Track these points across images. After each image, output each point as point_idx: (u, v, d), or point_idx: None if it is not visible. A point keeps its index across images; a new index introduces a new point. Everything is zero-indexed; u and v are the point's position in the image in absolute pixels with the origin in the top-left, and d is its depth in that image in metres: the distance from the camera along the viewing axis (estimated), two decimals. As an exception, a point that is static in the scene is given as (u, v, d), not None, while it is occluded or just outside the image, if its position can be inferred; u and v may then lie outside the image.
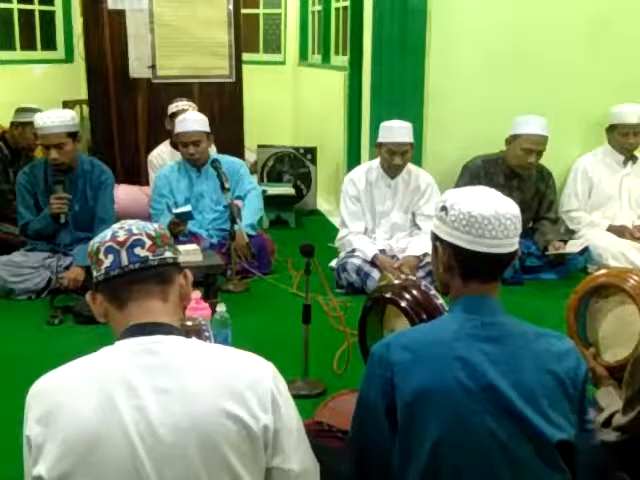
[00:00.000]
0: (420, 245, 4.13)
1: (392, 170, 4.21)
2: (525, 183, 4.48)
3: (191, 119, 4.36)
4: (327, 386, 2.88)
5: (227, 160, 4.45)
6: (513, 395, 1.50)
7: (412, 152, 4.22)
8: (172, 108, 4.87)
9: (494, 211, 1.55)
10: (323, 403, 2.60)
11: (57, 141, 3.82)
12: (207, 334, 2.20)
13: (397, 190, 4.28)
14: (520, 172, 4.43)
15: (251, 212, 4.40)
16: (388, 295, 2.35)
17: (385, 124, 4.17)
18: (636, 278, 2.21)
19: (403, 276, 2.67)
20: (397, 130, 4.11)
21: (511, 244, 1.58)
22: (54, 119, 3.83)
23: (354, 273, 4.05)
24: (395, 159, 4.13)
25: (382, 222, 4.31)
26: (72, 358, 1.40)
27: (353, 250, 4.17)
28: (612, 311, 2.28)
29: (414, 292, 2.30)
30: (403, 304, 2.27)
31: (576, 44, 4.66)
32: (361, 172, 4.32)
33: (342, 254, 4.24)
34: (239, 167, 4.54)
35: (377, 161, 4.28)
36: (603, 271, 2.40)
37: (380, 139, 4.16)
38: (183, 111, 4.75)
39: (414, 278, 2.53)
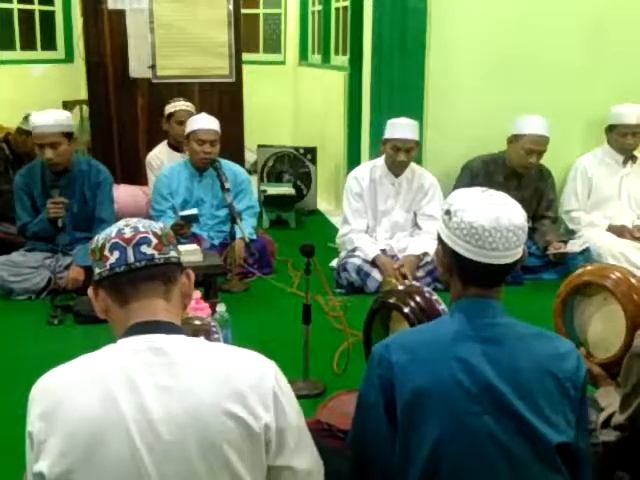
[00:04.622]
0: (420, 245, 4.13)
1: (396, 167, 4.22)
2: (524, 182, 4.48)
3: (208, 118, 4.35)
4: (327, 386, 2.88)
5: (231, 168, 4.42)
6: (512, 396, 1.50)
7: (416, 150, 4.23)
8: (169, 109, 4.84)
9: (496, 223, 1.52)
10: (323, 403, 2.60)
11: (51, 140, 3.82)
12: (217, 335, 2.20)
13: (400, 188, 4.28)
14: (520, 171, 4.43)
15: (247, 226, 4.27)
16: (392, 300, 2.40)
17: (391, 121, 4.19)
18: (617, 274, 2.21)
19: (407, 282, 2.71)
20: (402, 127, 4.13)
21: (512, 255, 1.55)
22: (49, 118, 3.84)
23: (354, 273, 4.06)
24: (399, 155, 4.14)
25: (383, 221, 4.31)
26: (72, 358, 1.40)
27: (354, 249, 4.17)
28: (596, 309, 2.27)
29: (417, 298, 2.35)
30: (406, 310, 2.31)
31: (576, 44, 4.65)
32: (365, 169, 4.33)
33: (342, 253, 4.24)
34: (243, 180, 4.49)
35: (382, 159, 4.28)
36: (582, 270, 2.37)
37: (386, 135, 4.17)
38: (181, 112, 4.75)
39: (418, 284, 2.55)
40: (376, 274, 4.04)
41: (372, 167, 4.31)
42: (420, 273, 4.08)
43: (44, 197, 3.97)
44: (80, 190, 4.04)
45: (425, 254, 4.09)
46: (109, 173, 4.16)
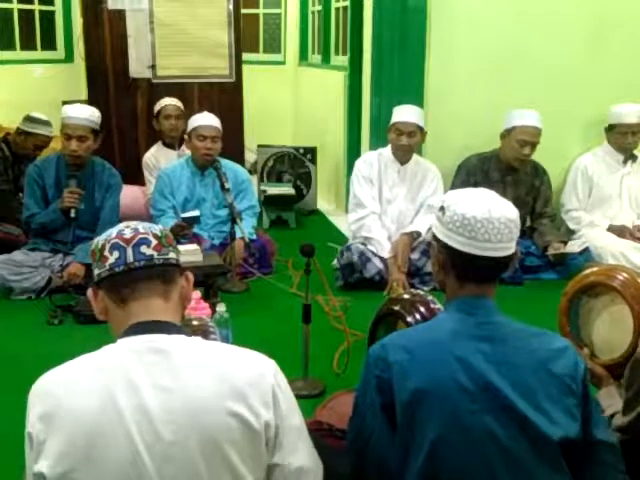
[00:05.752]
0: (413, 226, 4.21)
1: (400, 152, 4.24)
2: (520, 179, 4.51)
3: (209, 115, 4.39)
4: (327, 386, 2.88)
5: (232, 168, 4.43)
6: (512, 394, 1.50)
7: (420, 138, 4.24)
8: (157, 107, 4.95)
9: (488, 214, 1.55)
10: (323, 403, 2.60)
11: (81, 133, 3.91)
12: (214, 336, 2.20)
13: (405, 177, 4.31)
14: (515, 166, 4.45)
15: (247, 226, 4.27)
16: (397, 308, 2.43)
17: (397, 107, 4.25)
18: (624, 275, 2.20)
19: (413, 290, 2.76)
20: (405, 110, 4.20)
21: (505, 248, 1.57)
22: (84, 112, 3.96)
23: (356, 254, 4.09)
24: (401, 139, 4.17)
25: (389, 210, 4.32)
26: (72, 358, 1.41)
27: (367, 238, 4.17)
28: (603, 310, 2.26)
29: (422, 309, 2.40)
30: (409, 319, 2.35)
31: (576, 44, 4.66)
32: (373, 155, 4.36)
33: (351, 242, 4.25)
34: (244, 180, 4.50)
35: (388, 148, 4.31)
36: (590, 270, 2.36)
37: (391, 121, 4.22)
38: (168, 106, 4.88)
39: (423, 293, 2.57)
40: (377, 261, 4.08)
41: (379, 153, 4.34)
42: (415, 255, 4.11)
43: (56, 189, 4.01)
44: (91, 189, 4.07)
45: (418, 234, 4.14)
46: (120, 178, 4.20)
